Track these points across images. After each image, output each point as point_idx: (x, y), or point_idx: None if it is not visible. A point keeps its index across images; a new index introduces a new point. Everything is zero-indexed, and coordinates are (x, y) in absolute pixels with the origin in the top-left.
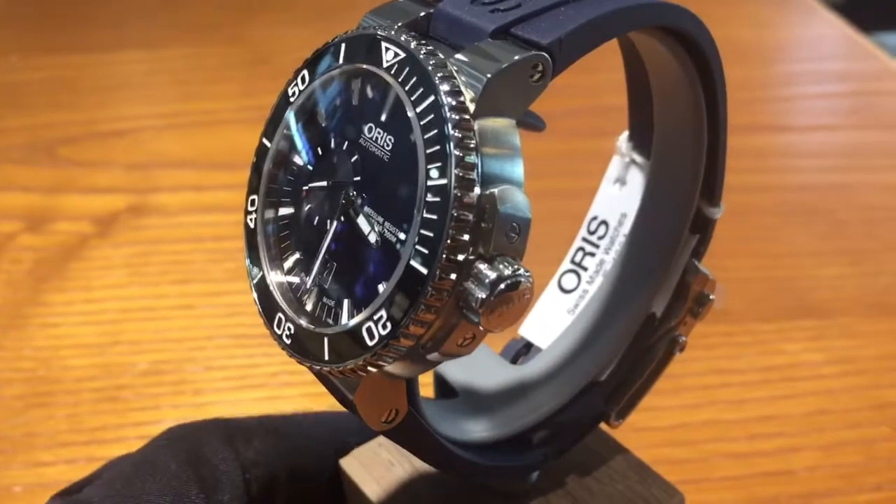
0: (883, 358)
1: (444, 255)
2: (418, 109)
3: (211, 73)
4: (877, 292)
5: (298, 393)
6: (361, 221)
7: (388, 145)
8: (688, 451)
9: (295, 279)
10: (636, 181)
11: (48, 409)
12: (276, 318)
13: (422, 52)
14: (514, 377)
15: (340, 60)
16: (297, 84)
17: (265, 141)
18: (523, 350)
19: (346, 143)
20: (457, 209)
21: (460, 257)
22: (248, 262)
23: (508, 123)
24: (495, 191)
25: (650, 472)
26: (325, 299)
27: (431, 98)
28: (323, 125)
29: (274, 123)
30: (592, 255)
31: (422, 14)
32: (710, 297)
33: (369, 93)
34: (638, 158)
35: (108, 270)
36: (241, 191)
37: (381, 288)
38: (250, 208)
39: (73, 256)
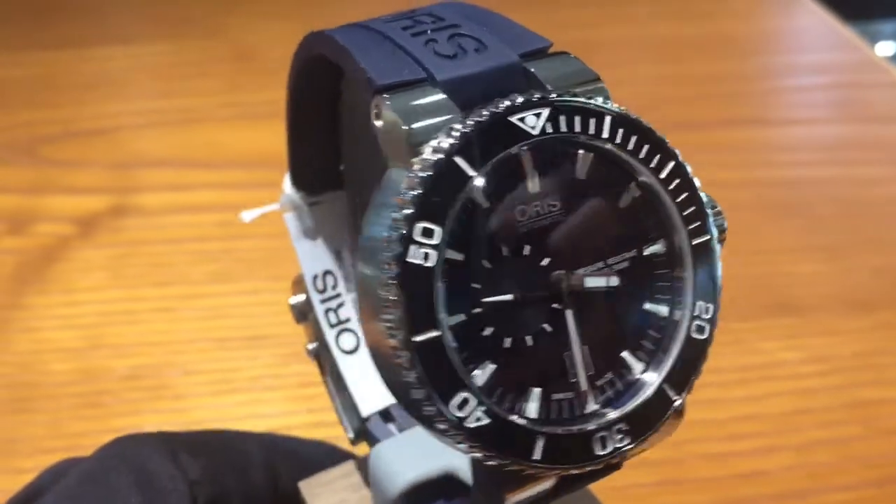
0: (859, 356)
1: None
2: (614, 142)
3: (191, 68)
4: (854, 289)
5: (280, 397)
6: (592, 282)
7: (555, 207)
8: (665, 452)
9: (555, 408)
10: (324, 220)
11: (28, 415)
12: (596, 439)
13: (556, 97)
14: None
15: (470, 172)
16: (420, 246)
17: (425, 337)
18: (386, 418)
19: (504, 248)
20: (701, 193)
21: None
22: (488, 454)
23: None
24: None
25: None
26: (598, 382)
27: (625, 125)
28: (462, 259)
29: (420, 306)
30: (342, 304)
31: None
32: None
33: (500, 181)
34: (315, 198)
35: (89, 273)
36: (223, 190)
37: (654, 307)
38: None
39: (54, 258)
